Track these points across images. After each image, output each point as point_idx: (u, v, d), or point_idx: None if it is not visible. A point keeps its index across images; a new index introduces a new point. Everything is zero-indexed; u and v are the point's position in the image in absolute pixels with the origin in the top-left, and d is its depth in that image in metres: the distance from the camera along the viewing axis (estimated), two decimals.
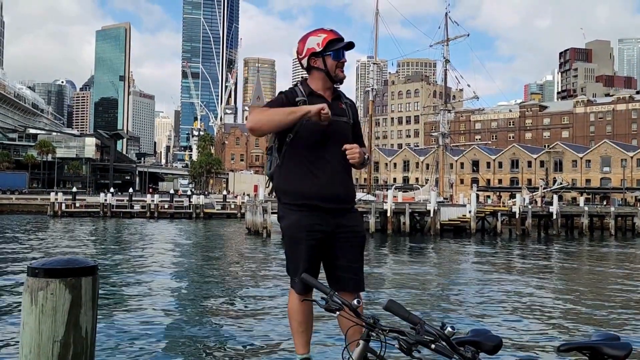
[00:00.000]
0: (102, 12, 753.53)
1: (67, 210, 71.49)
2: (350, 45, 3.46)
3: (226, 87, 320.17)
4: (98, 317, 2.70)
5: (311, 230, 3.32)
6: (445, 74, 70.66)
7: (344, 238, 3.40)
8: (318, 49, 3.40)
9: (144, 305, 15.44)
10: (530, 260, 32.16)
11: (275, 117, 3.22)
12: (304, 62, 3.48)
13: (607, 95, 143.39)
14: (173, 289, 19.05)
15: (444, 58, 70.22)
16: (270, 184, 3.61)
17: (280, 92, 3.49)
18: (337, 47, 3.41)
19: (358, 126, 3.65)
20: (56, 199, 71.97)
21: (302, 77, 3.69)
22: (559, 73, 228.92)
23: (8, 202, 79.79)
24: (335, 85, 3.55)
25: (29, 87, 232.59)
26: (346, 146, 3.31)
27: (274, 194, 3.61)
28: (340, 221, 3.41)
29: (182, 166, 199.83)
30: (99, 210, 71.88)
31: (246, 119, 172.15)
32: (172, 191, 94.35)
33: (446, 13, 69.72)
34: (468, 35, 69.57)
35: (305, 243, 3.32)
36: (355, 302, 2.28)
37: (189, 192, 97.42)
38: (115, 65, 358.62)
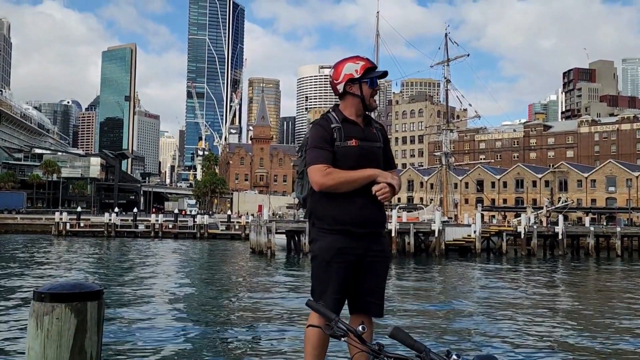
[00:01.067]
0: (110, 33, 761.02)
1: (71, 230, 71.55)
2: (385, 74, 3.55)
3: (231, 107, 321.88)
4: (103, 341, 2.69)
5: (344, 253, 3.37)
6: (447, 94, 71.21)
7: (372, 262, 3.46)
8: (356, 76, 3.47)
9: (149, 329, 15.36)
10: (537, 282, 31.93)
11: (353, 179, 3.34)
12: (340, 87, 3.53)
13: (612, 115, 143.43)
14: (178, 312, 18.95)
15: (445, 78, 70.82)
16: (300, 207, 3.69)
17: (316, 124, 3.52)
18: (373, 74, 3.50)
19: (388, 147, 3.70)
20: (60, 219, 72.08)
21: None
22: (563, 93, 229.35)
23: (13, 222, 79.93)
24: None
25: (35, 108, 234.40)
26: (374, 188, 3.38)
27: (303, 216, 3.68)
28: (370, 245, 3.46)
29: (187, 186, 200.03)
30: (103, 230, 71.90)
31: (251, 139, 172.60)
32: (176, 211, 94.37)
33: (446, 34, 70.60)
34: (468, 55, 70.35)
35: (337, 266, 3.36)
36: (360, 328, 2.27)
37: (193, 212, 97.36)
38: (121, 86, 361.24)
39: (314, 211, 3.49)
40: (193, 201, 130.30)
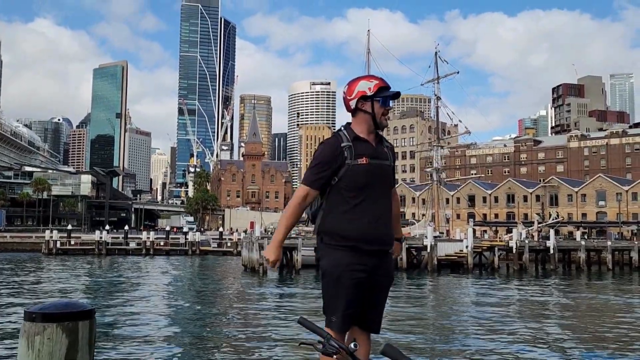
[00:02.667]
0: (102, 51, 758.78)
1: (61, 247, 70.91)
2: (397, 95, 3.58)
3: (222, 123, 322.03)
4: None
5: (353, 269, 3.39)
6: (437, 111, 71.65)
7: (378, 280, 3.49)
8: (369, 93, 3.51)
9: (141, 349, 15.23)
10: (530, 297, 31.94)
11: (282, 222, 3.48)
12: (352, 103, 3.57)
13: (600, 129, 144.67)
14: (170, 332, 18.79)
15: (435, 95, 71.43)
16: (311, 224, 3.73)
17: (325, 142, 3.54)
18: (386, 94, 3.54)
19: (394, 169, 3.76)
20: (51, 237, 71.47)
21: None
22: (552, 108, 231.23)
23: (2, 241, 79.19)
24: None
25: (26, 125, 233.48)
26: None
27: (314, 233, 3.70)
28: (378, 263, 3.49)
29: (179, 203, 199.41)
30: (94, 247, 71.30)
31: (243, 156, 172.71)
32: (168, 228, 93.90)
33: (436, 52, 71.19)
34: (458, 72, 71.14)
35: (347, 281, 3.38)
36: (352, 345, 2.28)
37: (186, 229, 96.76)
38: (112, 103, 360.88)
39: (322, 227, 3.52)
40: (191, 218, 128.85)
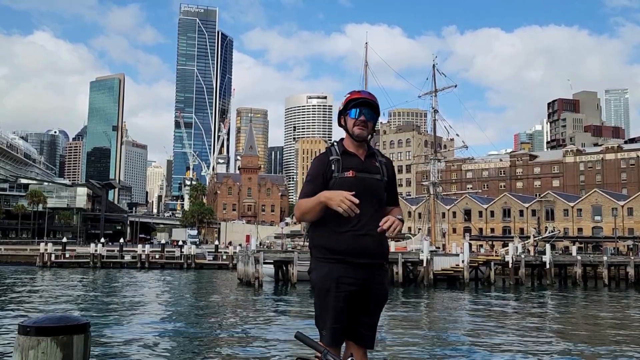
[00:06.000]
0: (100, 64, 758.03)
1: (56, 260, 70.62)
2: (365, 103, 3.47)
3: (219, 136, 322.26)
4: None
5: (341, 282, 3.38)
6: (434, 124, 71.72)
7: (369, 295, 3.46)
8: (341, 109, 3.57)
9: None
10: (526, 313, 31.86)
11: (307, 208, 3.37)
12: (337, 122, 3.67)
13: (596, 144, 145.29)
14: (165, 347, 18.68)
15: (433, 108, 71.48)
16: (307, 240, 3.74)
17: (315, 158, 3.60)
18: (351, 105, 3.50)
19: (393, 184, 3.70)
20: (46, 250, 71.16)
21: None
22: (548, 123, 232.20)
23: None
24: (368, 141, 3.62)
25: (22, 137, 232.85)
26: (383, 226, 3.34)
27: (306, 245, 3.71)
28: (369, 277, 3.46)
29: (171, 215, 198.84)
30: (89, 260, 71.02)
31: (239, 169, 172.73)
32: (163, 241, 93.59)
33: (434, 65, 71.36)
34: (455, 86, 71.24)
35: (335, 295, 3.37)
36: None
37: (183, 243, 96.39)
38: (109, 115, 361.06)
39: (312, 241, 3.54)
40: (195, 232, 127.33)
